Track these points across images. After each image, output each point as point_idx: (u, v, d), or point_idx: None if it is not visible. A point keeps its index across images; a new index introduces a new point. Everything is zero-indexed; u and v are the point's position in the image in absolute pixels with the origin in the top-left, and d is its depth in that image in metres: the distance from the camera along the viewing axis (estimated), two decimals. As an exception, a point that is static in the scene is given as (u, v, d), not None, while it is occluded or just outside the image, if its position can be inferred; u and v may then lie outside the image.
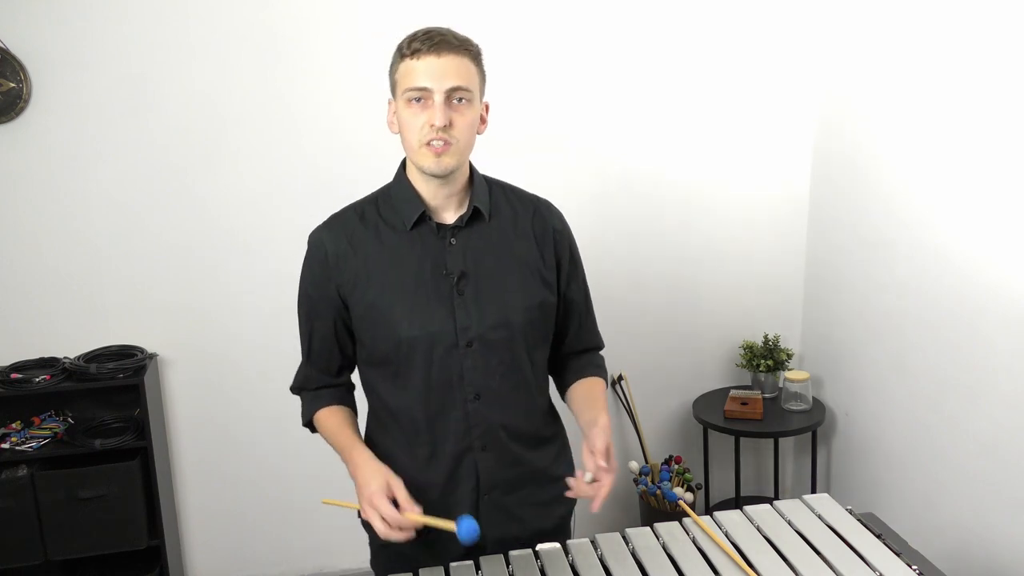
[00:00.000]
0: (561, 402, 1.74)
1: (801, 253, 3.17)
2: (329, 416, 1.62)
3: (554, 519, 1.66)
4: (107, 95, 2.62)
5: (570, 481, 1.42)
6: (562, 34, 2.83)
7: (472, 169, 1.58)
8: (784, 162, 3.07)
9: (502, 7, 2.74)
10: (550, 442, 1.67)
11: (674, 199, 3.03)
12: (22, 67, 2.53)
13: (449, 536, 1.48)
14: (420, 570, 1.46)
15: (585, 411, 1.56)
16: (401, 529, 1.38)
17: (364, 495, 1.43)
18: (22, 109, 2.56)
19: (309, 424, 1.68)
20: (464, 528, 1.37)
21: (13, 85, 2.53)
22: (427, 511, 1.44)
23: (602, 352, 1.75)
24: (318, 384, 1.65)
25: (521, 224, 1.59)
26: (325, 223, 1.59)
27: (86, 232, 2.70)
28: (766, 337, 3.10)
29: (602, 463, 1.39)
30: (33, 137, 2.60)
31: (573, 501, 1.71)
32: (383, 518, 1.38)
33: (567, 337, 1.68)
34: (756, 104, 3.00)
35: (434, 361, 1.51)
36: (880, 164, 2.67)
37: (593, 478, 1.39)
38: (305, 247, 2.89)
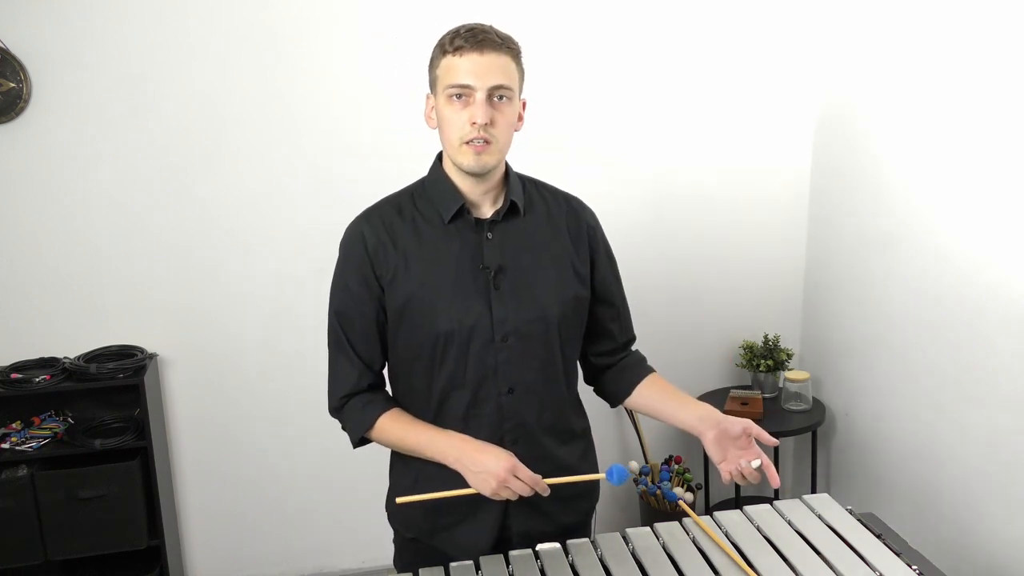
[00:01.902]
0: (589, 399, 1.74)
1: (801, 253, 3.17)
2: (394, 419, 1.56)
3: (579, 514, 1.68)
4: (107, 95, 2.62)
5: (729, 474, 1.46)
6: (559, 34, 2.83)
7: (507, 165, 1.59)
8: (784, 162, 3.07)
9: (503, 8, 2.74)
10: (578, 438, 1.68)
11: (674, 199, 3.03)
12: (22, 67, 2.53)
13: (472, 527, 1.54)
14: (421, 570, 1.46)
15: (688, 406, 1.59)
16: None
17: (491, 475, 1.43)
18: (22, 109, 2.56)
19: (362, 440, 1.59)
20: (616, 476, 1.48)
21: (13, 85, 2.53)
22: (454, 503, 1.52)
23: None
24: (369, 382, 1.59)
25: (555, 220, 1.60)
26: (363, 216, 1.58)
27: (86, 232, 2.70)
28: (766, 337, 3.10)
29: (772, 440, 1.45)
30: (33, 137, 2.60)
31: (596, 497, 1.73)
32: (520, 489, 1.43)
33: (608, 330, 1.69)
34: (756, 104, 3.00)
35: (470, 355, 1.52)
36: (880, 164, 2.67)
37: (760, 463, 1.44)
38: (304, 246, 2.89)
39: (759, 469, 1.44)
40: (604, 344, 1.70)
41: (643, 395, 1.67)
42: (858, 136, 2.78)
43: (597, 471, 1.75)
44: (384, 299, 1.55)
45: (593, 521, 1.76)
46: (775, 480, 1.44)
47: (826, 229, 3.03)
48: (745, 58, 2.96)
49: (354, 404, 1.59)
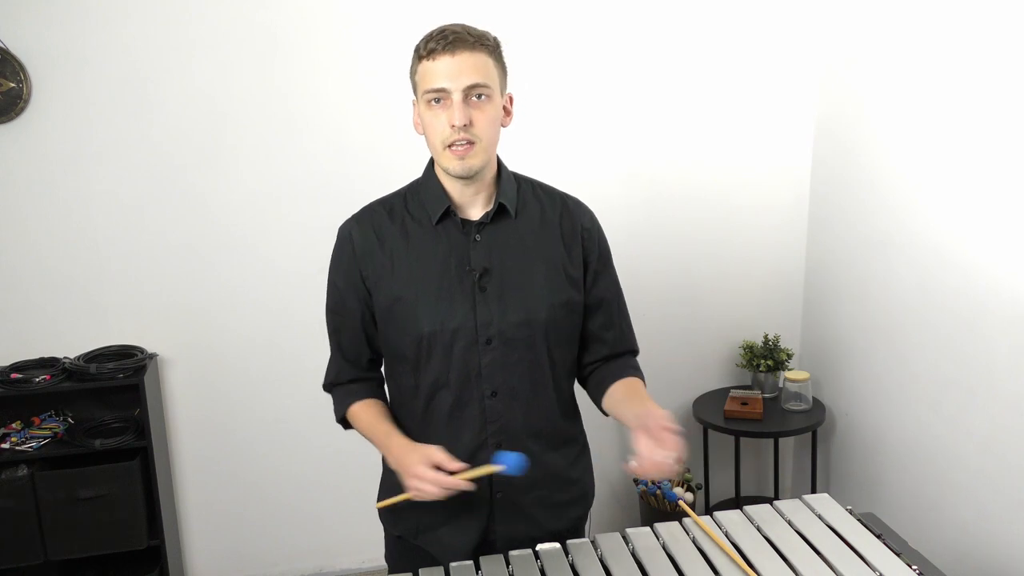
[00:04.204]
0: (586, 406, 1.72)
1: (801, 253, 3.17)
2: (363, 410, 1.62)
3: (568, 521, 1.65)
4: (107, 95, 2.62)
5: (631, 465, 1.38)
6: (558, 32, 2.83)
7: (500, 165, 1.57)
8: (784, 162, 3.07)
9: (504, 8, 2.74)
10: (569, 444, 1.65)
11: (674, 199, 3.03)
12: (22, 67, 2.53)
13: (456, 529, 1.54)
14: (420, 570, 1.46)
15: (634, 405, 1.51)
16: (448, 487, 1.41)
17: (408, 473, 1.43)
18: (22, 109, 2.56)
19: (343, 420, 1.67)
20: (510, 464, 1.41)
21: (13, 85, 2.53)
22: (440, 506, 1.49)
23: (638, 357, 1.70)
24: (350, 377, 1.65)
25: (549, 221, 1.58)
26: (355, 216, 1.60)
27: (86, 232, 2.70)
28: (766, 337, 3.10)
29: (667, 424, 1.35)
30: (33, 137, 2.60)
31: (588, 504, 1.71)
32: (433, 484, 1.41)
33: (600, 339, 1.64)
34: (756, 104, 3.00)
35: (453, 356, 1.52)
36: (880, 164, 2.67)
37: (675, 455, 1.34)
38: (304, 246, 2.90)
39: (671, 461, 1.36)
40: (596, 352, 1.66)
41: (611, 395, 1.60)
42: (858, 137, 2.78)
43: (591, 478, 1.73)
44: (371, 300, 1.57)
45: (587, 528, 1.72)
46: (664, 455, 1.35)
47: (826, 229, 3.03)
48: (744, 59, 2.96)
49: (338, 390, 1.66)
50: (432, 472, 1.40)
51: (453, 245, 1.53)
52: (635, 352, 1.70)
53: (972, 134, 2.27)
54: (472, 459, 1.52)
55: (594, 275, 1.61)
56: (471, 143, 1.44)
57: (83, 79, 2.60)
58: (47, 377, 2.55)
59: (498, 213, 1.54)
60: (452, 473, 1.42)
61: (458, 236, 1.53)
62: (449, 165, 1.47)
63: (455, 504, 1.54)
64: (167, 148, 2.70)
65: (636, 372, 1.65)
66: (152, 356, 2.77)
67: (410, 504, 1.54)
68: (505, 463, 1.42)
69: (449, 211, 1.53)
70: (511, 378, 1.53)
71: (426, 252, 1.53)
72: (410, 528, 1.63)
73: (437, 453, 1.43)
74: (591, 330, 1.64)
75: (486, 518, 1.58)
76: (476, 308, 1.51)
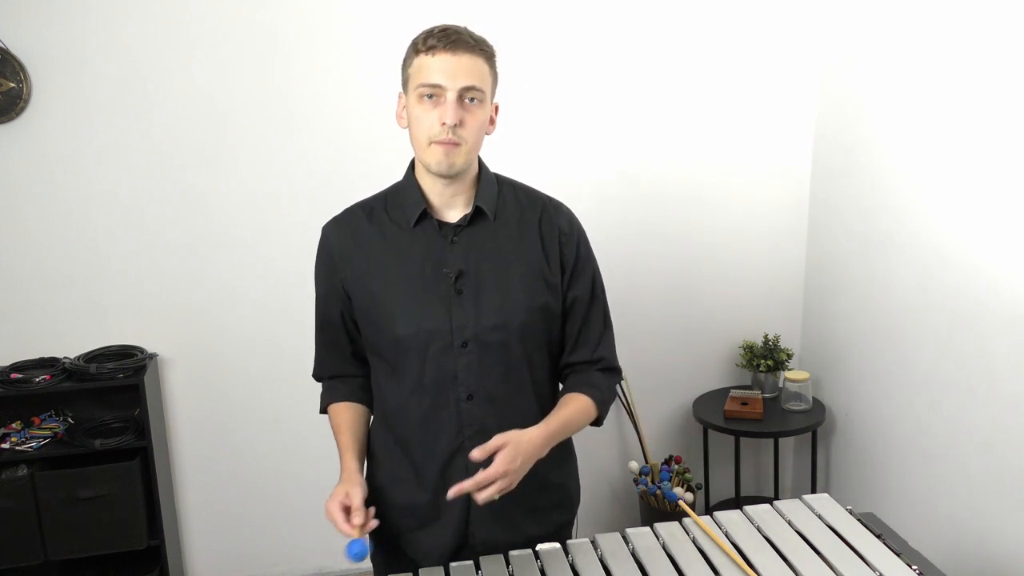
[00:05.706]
0: None
1: (801, 253, 3.17)
2: (336, 414, 1.65)
3: (551, 526, 1.63)
4: (107, 95, 2.62)
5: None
6: (559, 32, 2.83)
7: (481, 167, 1.57)
8: (784, 162, 3.07)
9: (504, 7, 2.74)
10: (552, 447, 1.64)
11: (674, 199, 3.03)
12: (22, 67, 2.54)
13: (435, 533, 1.55)
14: (420, 570, 1.46)
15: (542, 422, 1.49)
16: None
17: (328, 500, 1.46)
18: (22, 109, 2.57)
19: (326, 411, 1.71)
20: (353, 552, 1.39)
21: (13, 85, 2.53)
22: (417, 510, 1.56)
23: (615, 377, 1.65)
24: (332, 373, 1.68)
25: (528, 225, 1.57)
26: (336, 217, 1.61)
27: (86, 232, 2.70)
28: (766, 337, 3.10)
29: (475, 454, 1.39)
30: (33, 137, 2.60)
31: (573, 510, 1.69)
32: (332, 522, 1.44)
33: (573, 341, 1.61)
34: (756, 104, 3.00)
35: (428, 359, 1.51)
36: (880, 164, 2.67)
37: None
38: (304, 246, 2.90)
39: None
40: (570, 355, 1.62)
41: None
42: (858, 137, 2.78)
43: (576, 482, 1.71)
44: (349, 301, 1.58)
45: (575, 533, 1.70)
46: (463, 487, 1.39)
47: (826, 229, 3.03)
48: (744, 59, 2.96)
49: (325, 384, 1.71)
50: (338, 512, 1.43)
51: (430, 247, 1.52)
52: (611, 367, 1.64)
53: (972, 134, 2.27)
54: (449, 463, 1.53)
55: (570, 278, 1.58)
56: (456, 144, 1.44)
57: (83, 79, 2.60)
58: (47, 377, 2.55)
59: (476, 216, 1.53)
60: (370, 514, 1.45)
61: (435, 238, 1.52)
62: (432, 160, 1.46)
63: (433, 509, 1.54)
64: (167, 148, 2.70)
65: (591, 391, 1.59)
66: (152, 356, 2.77)
67: (388, 505, 1.57)
68: (353, 553, 1.40)
69: (426, 213, 1.52)
70: (487, 381, 1.52)
71: (403, 254, 1.53)
72: (390, 529, 1.62)
73: (355, 498, 1.44)
74: (565, 332, 1.61)
75: (463, 522, 1.56)
76: (452, 311, 1.50)
